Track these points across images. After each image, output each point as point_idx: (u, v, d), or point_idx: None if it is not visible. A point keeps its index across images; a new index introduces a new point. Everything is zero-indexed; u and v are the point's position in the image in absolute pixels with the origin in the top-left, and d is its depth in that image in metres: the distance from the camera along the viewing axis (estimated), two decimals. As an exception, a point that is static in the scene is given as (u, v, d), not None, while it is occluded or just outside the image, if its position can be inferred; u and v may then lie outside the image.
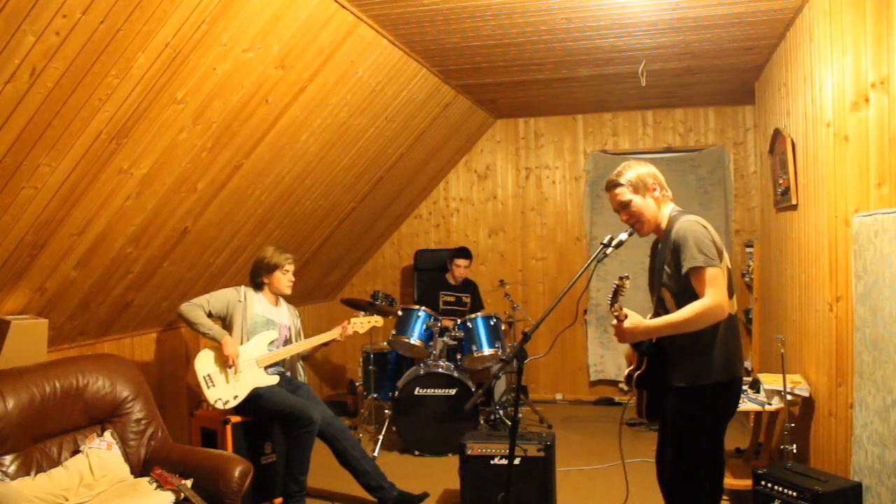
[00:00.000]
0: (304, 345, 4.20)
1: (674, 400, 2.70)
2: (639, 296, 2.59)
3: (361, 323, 4.32)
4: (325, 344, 4.27)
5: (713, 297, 2.51)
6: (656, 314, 2.76)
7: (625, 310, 2.59)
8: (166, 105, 3.14)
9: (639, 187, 2.75)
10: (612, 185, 2.81)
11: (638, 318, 2.59)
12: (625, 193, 2.76)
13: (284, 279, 4.17)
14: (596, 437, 5.45)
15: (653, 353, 2.75)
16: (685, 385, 2.65)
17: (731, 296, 2.67)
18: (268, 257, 4.17)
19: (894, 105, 3.19)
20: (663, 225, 2.76)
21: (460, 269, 5.96)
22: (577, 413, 6.30)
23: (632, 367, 2.84)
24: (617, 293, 2.55)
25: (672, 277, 2.64)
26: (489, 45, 4.37)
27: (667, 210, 2.77)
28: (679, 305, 2.61)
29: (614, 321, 2.60)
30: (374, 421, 5.69)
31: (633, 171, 2.77)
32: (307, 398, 4.03)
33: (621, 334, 2.62)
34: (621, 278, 2.54)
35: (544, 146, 6.84)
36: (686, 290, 2.59)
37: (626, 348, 2.91)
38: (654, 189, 2.76)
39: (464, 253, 5.99)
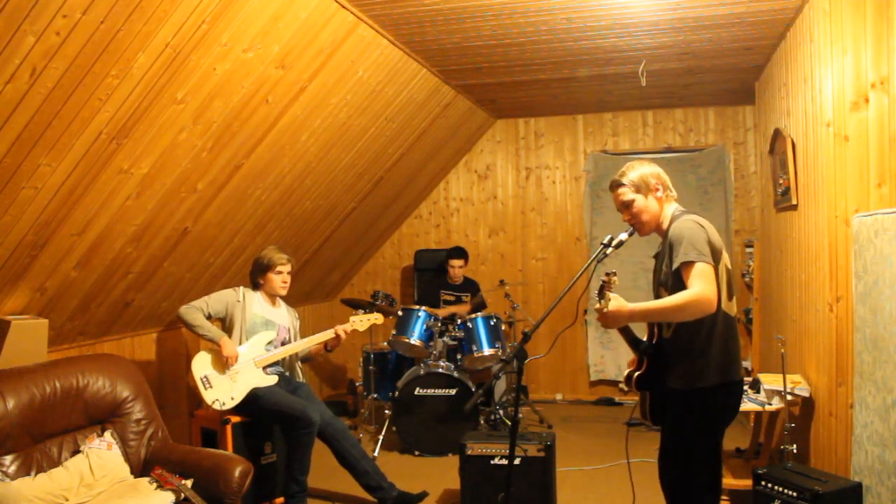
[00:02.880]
0: (301, 344, 4.20)
1: (671, 402, 2.71)
2: (640, 296, 2.59)
3: (361, 320, 4.31)
4: (328, 349, 4.26)
5: (700, 289, 2.49)
6: None
7: (609, 294, 2.56)
8: (166, 105, 3.14)
9: (641, 187, 2.75)
10: (616, 185, 2.81)
11: (621, 302, 2.56)
12: (627, 193, 2.76)
13: (277, 280, 4.15)
14: (596, 437, 5.45)
15: (653, 355, 2.75)
16: (681, 388, 2.65)
17: (731, 297, 2.66)
18: (263, 257, 4.17)
19: (894, 105, 3.19)
20: (665, 225, 2.76)
21: (455, 269, 5.97)
22: (577, 413, 6.30)
23: (632, 368, 2.83)
24: (603, 289, 2.54)
25: (668, 276, 2.64)
26: (490, 45, 4.37)
27: (669, 210, 2.77)
28: None
29: (597, 305, 2.58)
30: (374, 421, 5.69)
31: (637, 171, 2.77)
32: (307, 398, 4.03)
33: (605, 319, 2.58)
34: (608, 274, 2.53)
35: (544, 146, 6.84)
36: (679, 287, 2.58)
37: (628, 350, 2.90)
38: (657, 189, 2.75)
39: (457, 253, 6.01)
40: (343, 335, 4.16)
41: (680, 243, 2.56)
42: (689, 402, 2.64)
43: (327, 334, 4.16)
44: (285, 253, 4.21)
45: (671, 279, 2.61)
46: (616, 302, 2.55)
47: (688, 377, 2.63)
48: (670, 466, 2.77)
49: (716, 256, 2.58)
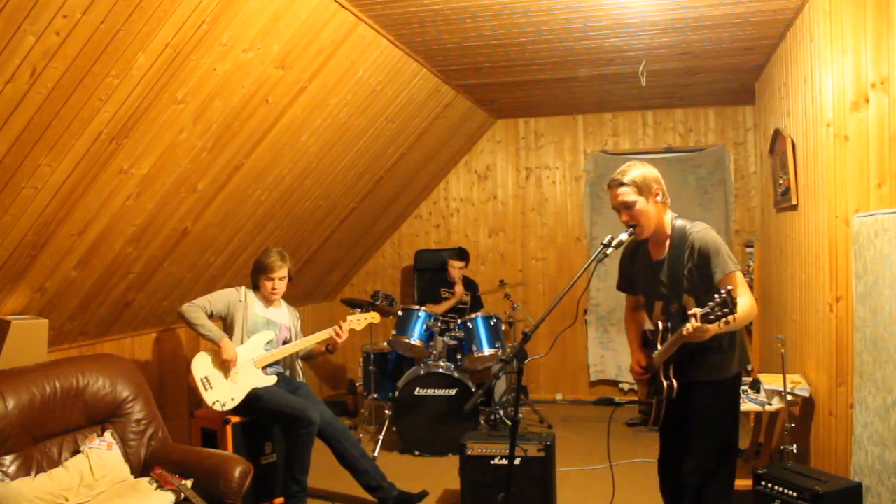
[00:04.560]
0: (300, 344, 4.18)
1: (699, 395, 2.76)
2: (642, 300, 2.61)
3: (359, 320, 4.29)
4: (329, 351, 4.24)
5: (750, 297, 2.64)
6: (669, 319, 2.75)
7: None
8: (166, 105, 3.14)
9: (643, 189, 2.74)
10: (617, 184, 2.78)
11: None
12: (629, 194, 2.75)
13: (268, 286, 4.09)
14: (596, 437, 5.44)
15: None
16: (711, 379, 2.75)
17: None
18: (259, 260, 4.14)
19: (894, 105, 3.19)
20: (667, 231, 2.76)
21: (454, 269, 5.98)
22: (577, 413, 6.30)
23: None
24: (726, 303, 2.43)
25: (697, 284, 2.68)
26: (490, 45, 4.37)
27: (668, 217, 2.79)
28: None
29: (696, 324, 2.47)
30: (374, 421, 5.69)
31: (639, 171, 2.76)
32: (306, 398, 4.03)
33: (704, 332, 2.49)
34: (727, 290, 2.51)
35: (544, 146, 6.84)
36: (709, 295, 2.58)
37: (627, 350, 2.93)
38: (658, 194, 2.76)
39: (458, 255, 6.01)
40: (340, 336, 4.11)
41: (718, 254, 2.66)
42: (718, 392, 2.76)
43: (324, 334, 4.14)
44: (285, 255, 4.13)
45: (704, 288, 2.65)
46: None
47: (716, 368, 2.75)
48: (697, 464, 2.79)
49: None
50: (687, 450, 2.81)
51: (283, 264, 4.10)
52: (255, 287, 4.19)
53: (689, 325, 2.50)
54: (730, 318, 2.43)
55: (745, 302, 2.60)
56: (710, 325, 2.47)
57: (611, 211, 2.92)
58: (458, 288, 5.95)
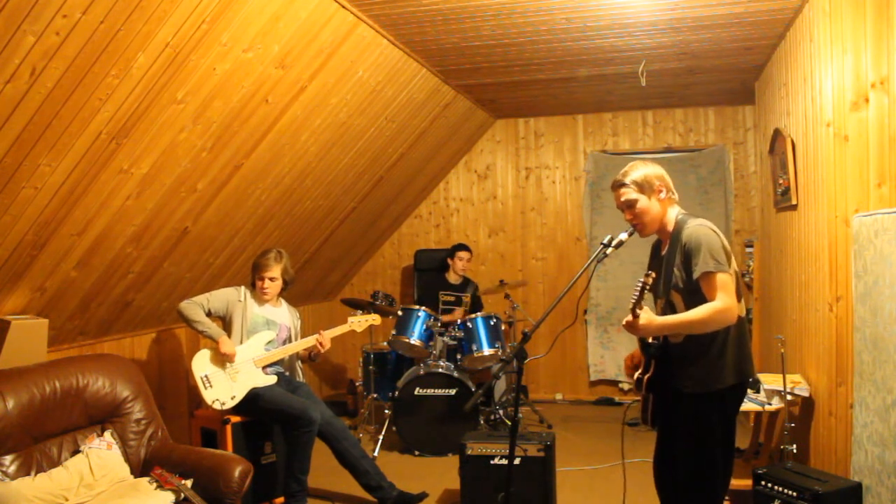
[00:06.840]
0: (299, 345, 4.18)
1: (686, 406, 2.70)
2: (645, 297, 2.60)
3: (359, 321, 4.31)
4: (311, 358, 4.23)
5: (724, 302, 2.53)
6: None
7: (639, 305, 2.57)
8: (166, 105, 3.14)
9: (644, 188, 2.73)
10: (618, 185, 2.78)
11: (651, 315, 2.57)
12: (629, 193, 2.74)
13: (259, 284, 4.10)
14: (596, 437, 5.45)
15: (661, 357, 2.75)
16: (699, 391, 2.65)
17: (739, 299, 2.67)
18: (255, 258, 4.15)
19: (894, 105, 3.19)
20: (669, 228, 2.75)
21: (463, 261, 6.00)
22: (577, 413, 6.30)
23: (640, 371, 2.83)
24: (643, 291, 2.52)
25: (683, 281, 2.65)
26: (489, 45, 4.37)
27: (673, 213, 2.77)
28: (689, 309, 2.61)
29: (628, 317, 2.55)
30: (374, 421, 5.69)
31: (640, 171, 2.75)
32: (307, 398, 4.03)
33: (636, 329, 2.56)
34: (647, 275, 2.53)
35: (544, 146, 6.84)
36: (697, 294, 2.60)
37: (628, 350, 2.92)
38: (661, 191, 2.75)
39: (464, 246, 6.09)
40: (323, 346, 4.10)
41: (699, 251, 2.57)
42: (705, 405, 2.66)
43: (309, 341, 4.12)
44: (282, 257, 4.13)
45: (689, 286, 2.62)
46: (646, 315, 2.55)
47: (705, 380, 2.64)
48: (685, 470, 2.75)
49: (729, 263, 2.60)
50: (675, 456, 2.81)
51: (276, 265, 4.10)
52: (255, 286, 4.19)
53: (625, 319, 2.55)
54: (639, 310, 2.49)
55: (710, 305, 2.53)
56: (640, 322, 2.51)
57: (611, 211, 2.94)
58: (460, 313, 5.87)
